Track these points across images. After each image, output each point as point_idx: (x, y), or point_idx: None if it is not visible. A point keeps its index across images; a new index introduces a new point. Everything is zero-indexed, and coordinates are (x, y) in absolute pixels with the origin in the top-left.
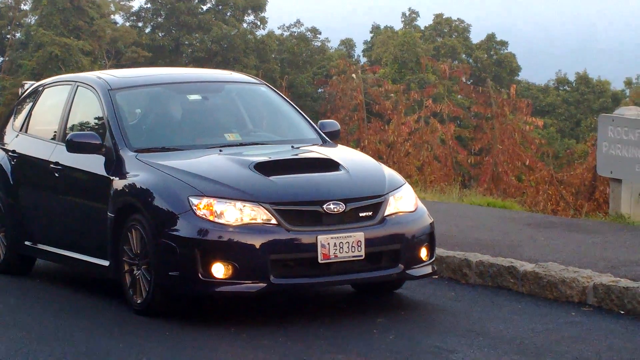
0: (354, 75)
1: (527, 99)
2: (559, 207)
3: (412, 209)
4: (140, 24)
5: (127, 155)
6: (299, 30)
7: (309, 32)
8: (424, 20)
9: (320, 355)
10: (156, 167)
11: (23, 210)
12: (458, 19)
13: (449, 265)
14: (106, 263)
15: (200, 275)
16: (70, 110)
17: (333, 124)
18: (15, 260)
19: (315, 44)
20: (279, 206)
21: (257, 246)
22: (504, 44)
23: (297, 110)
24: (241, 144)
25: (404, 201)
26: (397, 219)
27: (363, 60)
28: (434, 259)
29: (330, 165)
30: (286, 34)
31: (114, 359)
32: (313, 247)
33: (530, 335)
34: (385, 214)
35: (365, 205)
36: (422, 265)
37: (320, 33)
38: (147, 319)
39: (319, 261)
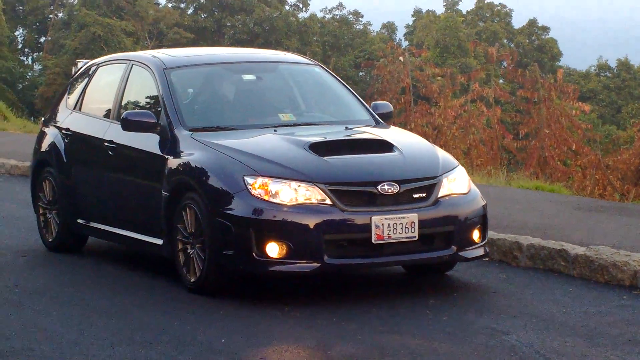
0: (401, 57)
1: (572, 84)
2: (606, 192)
3: (466, 191)
4: (182, 5)
5: (182, 134)
6: (341, 13)
7: (351, 15)
8: (466, 5)
9: (375, 335)
10: (211, 147)
11: (76, 188)
12: (500, 3)
13: (499, 248)
14: (160, 241)
15: (254, 255)
16: (124, 88)
17: (386, 105)
18: (68, 238)
19: (357, 27)
20: (334, 186)
21: (312, 226)
22: (545, 29)
23: (350, 91)
24: (295, 124)
25: (457, 183)
26: (451, 200)
27: (405, 44)
28: (486, 241)
29: (384, 146)
30: (328, 16)
31: (168, 336)
32: (367, 227)
33: (583, 317)
34: (439, 195)
35: (419, 187)
36: (474, 247)
37: (362, 16)
38: (200, 297)
39: (373, 242)
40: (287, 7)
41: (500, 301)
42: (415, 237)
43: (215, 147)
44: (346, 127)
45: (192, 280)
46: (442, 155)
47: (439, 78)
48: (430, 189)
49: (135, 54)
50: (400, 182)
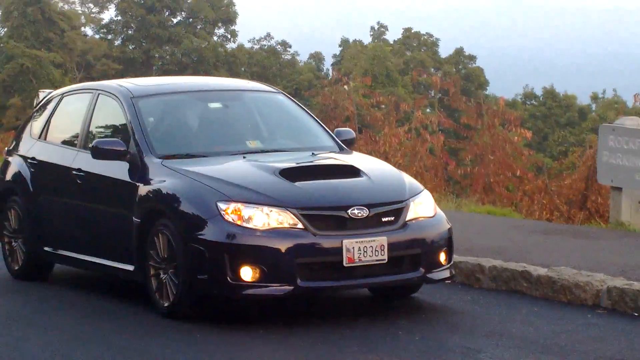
0: (345, 86)
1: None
2: (553, 216)
3: (432, 214)
4: (110, 37)
5: (153, 162)
6: (269, 44)
7: (279, 46)
8: (393, 34)
9: (352, 356)
10: (182, 173)
11: (43, 216)
12: (427, 33)
13: (462, 270)
14: (131, 267)
15: (228, 279)
16: (91, 118)
17: (348, 132)
18: (34, 266)
19: (285, 57)
20: (305, 211)
21: (284, 250)
22: (472, 58)
23: (314, 118)
24: (263, 151)
25: (423, 206)
26: (418, 223)
27: (331, 74)
28: (452, 263)
29: (351, 171)
30: (256, 47)
31: (150, 359)
32: (338, 251)
33: (552, 336)
34: (407, 219)
35: (387, 211)
36: (441, 269)
37: (290, 46)
38: (175, 322)
39: (344, 265)
40: (215, 38)
41: (469, 321)
42: (385, 259)
43: (186, 174)
44: (312, 153)
45: (166, 304)
46: (409, 179)
47: (383, 106)
48: (399, 212)
49: (101, 84)
50: (369, 206)
